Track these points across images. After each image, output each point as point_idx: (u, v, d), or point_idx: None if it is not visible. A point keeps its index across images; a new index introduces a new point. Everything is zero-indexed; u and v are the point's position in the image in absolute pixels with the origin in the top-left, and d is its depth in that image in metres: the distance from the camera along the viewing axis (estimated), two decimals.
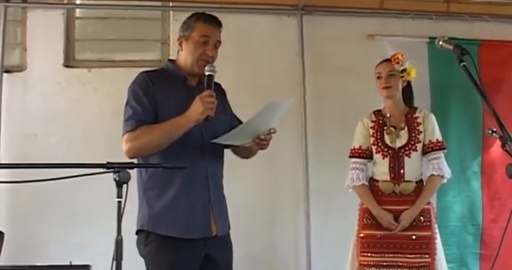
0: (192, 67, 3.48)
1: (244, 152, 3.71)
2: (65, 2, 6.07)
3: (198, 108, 3.20)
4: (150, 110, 3.36)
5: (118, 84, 5.42)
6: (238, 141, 3.49)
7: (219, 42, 3.55)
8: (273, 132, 3.43)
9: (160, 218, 3.35)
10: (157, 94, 3.40)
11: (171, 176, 3.33)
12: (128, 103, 3.43)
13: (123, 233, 2.64)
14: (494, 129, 2.89)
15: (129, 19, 6.27)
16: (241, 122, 3.62)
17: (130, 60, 6.14)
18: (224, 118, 3.53)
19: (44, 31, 5.91)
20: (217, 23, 3.56)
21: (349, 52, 6.35)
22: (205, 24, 3.51)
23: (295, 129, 6.14)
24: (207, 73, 3.34)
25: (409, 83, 4.69)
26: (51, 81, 5.85)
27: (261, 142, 3.42)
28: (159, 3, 6.21)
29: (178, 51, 3.62)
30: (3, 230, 5.07)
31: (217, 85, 3.69)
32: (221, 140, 3.36)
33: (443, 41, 3.11)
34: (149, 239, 3.35)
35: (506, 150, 2.63)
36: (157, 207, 3.36)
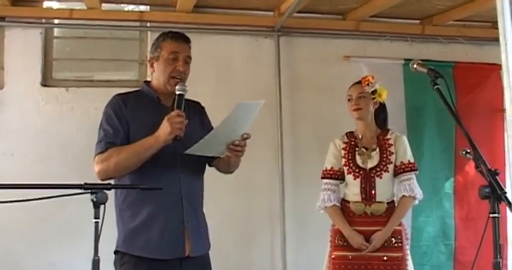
0: (165, 86, 3.50)
1: (223, 166, 3.68)
2: (43, 21, 6.06)
3: (166, 129, 3.20)
4: (122, 132, 3.39)
5: (95, 103, 5.39)
6: (212, 151, 3.44)
7: (189, 57, 3.57)
8: (247, 138, 3.39)
9: (134, 239, 3.36)
10: (130, 116, 3.43)
11: (145, 197, 3.34)
12: (100, 125, 3.46)
13: (100, 253, 2.65)
14: (468, 150, 2.91)
15: (107, 39, 6.30)
16: None
17: (108, 80, 6.15)
18: (201, 136, 3.45)
19: (21, 50, 5.88)
20: (184, 39, 3.59)
21: (325, 73, 6.41)
22: (172, 42, 3.54)
23: (271, 150, 6.18)
24: (177, 92, 3.35)
25: (383, 105, 4.73)
26: (28, 100, 5.81)
27: (235, 148, 3.38)
28: (137, 24, 6.23)
29: (152, 73, 3.65)
30: None
31: (196, 103, 3.73)
32: (194, 150, 3.30)
33: (417, 65, 3.15)
34: (124, 259, 3.37)
35: (480, 171, 2.65)
36: (131, 227, 3.38)
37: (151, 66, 3.60)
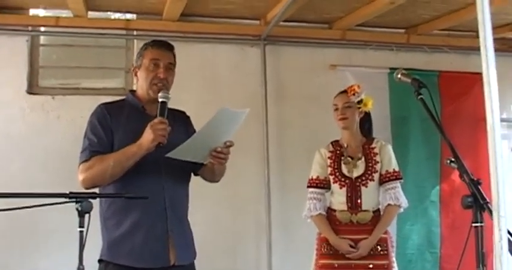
0: (148, 93, 3.52)
1: (208, 174, 3.67)
2: (29, 28, 6.04)
3: (149, 136, 3.21)
4: (106, 141, 3.40)
5: (81, 111, 5.37)
6: (195, 157, 3.43)
7: (171, 63, 3.58)
8: (230, 145, 3.38)
9: (118, 248, 3.36)
10: (114, 125, 3.44)
11: (129, 206, 3.34)
12: (85, 135, 3.48)
13: (85, 261, 2.65)
14: (453, 159, 2.93)
15: (93, 47, 6.29)
16: None
17: (94, 88, 6.14)
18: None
19: (7, 57, 5.87)
20: (166, 46, 3.61)
21: (311, 82, 6.43)
22: (153, 50, 3.57)
23: (257, 158, 6.18)
24: (160, 100, 3.36)
25: (368, 114, 4.75)
26: (14, 107, 5.79)
27: (218, 155, 3.37)
28: (123, 32, 6.22)
29: (136, 82, 3.67)
30: None
31: (181, 112, 3.74)
32: (175, 154, 3.29)
33: (401, 75, 3.18)
34: (108, 268, 3.37)
35: (464, 180, 2.68)
36: (115, 236, 3.38)
37: (135, 75, 3.63)
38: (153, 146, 3.22)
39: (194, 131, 3.68)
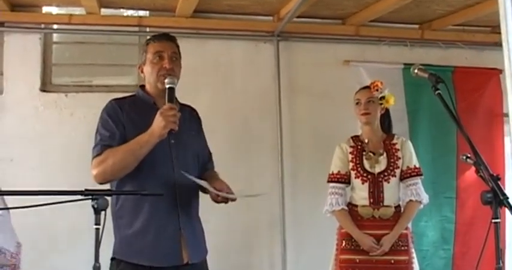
0: (156, 86, 3.50)
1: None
2: (42, 26, 6.05)
3: (160, 123, 3.18)
4: (118, 135, 3.38)
5: (95, 109, 5.31)
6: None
7: (176, 53, 3.57)
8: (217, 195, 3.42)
9: (130, 246, 3.36)
10: (126, 120, 3.43)
11: (140, 204, 3.33)
12: (97, 130, 3.47)
13: (101, 259, 2.64)
14: (469, 155, 2.92)
15: (106, 44, 6.29)
16: (210, 154, 3.76)
17: (107, 85, 6.13)
18: (195, 142, 3.52)
19: (21, 55, 5.88)
20: (167, 38, 3.60)
21: (324, 78, 6.41)
22: (154, 43, 3.56)
23: (271, 154, 6.15)
24: (167, 86, 3.33)
25: (387, 110, 4.74)
26: (27, 105, 5.81)
27: (216, 198, 3.44)
28: (136, 29, 6.21)
29: (144, 79, 3.66)
30: None
31: (193, 110, 3.75)
32: (189, 176, 3.34)
33: (418, 70, 3.17)
34: (120, 267, 3.36)
35: (481, 176, 2.66)
36: (127, 235, 3.37)
37: (142, 71, 3.62)
38: (165, 133, 3.20)
39: (203, 135, 3.76)
